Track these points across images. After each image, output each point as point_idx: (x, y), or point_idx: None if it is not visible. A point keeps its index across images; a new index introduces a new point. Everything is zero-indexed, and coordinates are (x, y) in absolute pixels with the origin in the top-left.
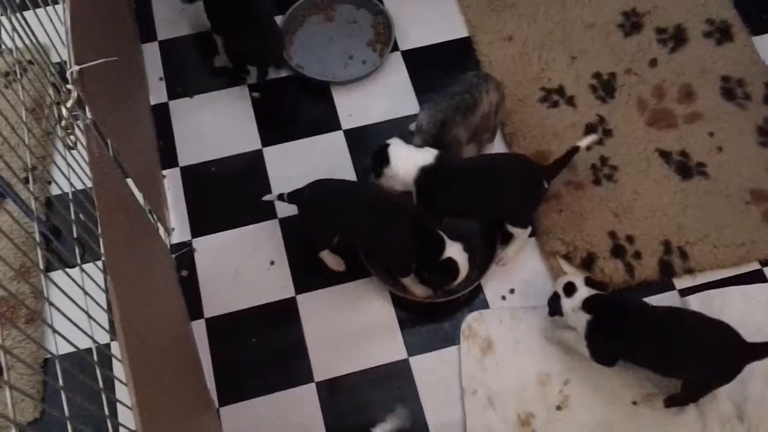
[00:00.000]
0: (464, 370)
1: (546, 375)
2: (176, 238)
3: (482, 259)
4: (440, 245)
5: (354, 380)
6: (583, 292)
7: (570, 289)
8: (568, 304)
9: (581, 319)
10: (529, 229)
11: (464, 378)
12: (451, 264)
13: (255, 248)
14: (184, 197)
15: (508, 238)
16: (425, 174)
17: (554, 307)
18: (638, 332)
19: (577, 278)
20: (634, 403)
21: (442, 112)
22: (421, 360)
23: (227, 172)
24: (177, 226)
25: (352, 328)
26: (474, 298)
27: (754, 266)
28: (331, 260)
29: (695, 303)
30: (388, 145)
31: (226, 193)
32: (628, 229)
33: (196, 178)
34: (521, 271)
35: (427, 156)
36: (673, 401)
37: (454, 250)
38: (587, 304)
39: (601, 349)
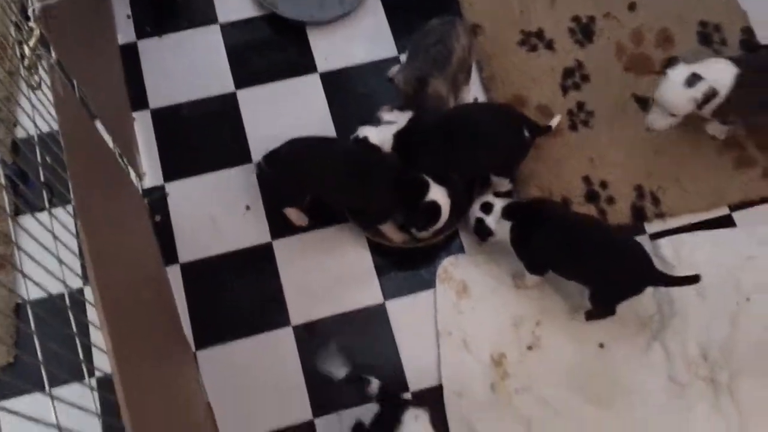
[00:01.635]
0: (440, 313)
1: (519, 317)
2: (148, 183)
3: (460, 204)
4: (424, 187)
5: (331, 324)
6: (498, 203)
7: (486, 206)
8: (491, 219)
9: (506, 229)
10: (509, 179)
11: (439, 321)
12: (433, 207)
13: (229, 193)
14: (156, 141)
15: (486, 184)
16: (399, 139)
17: (482, 230)
18: (554, 232)
19: (486, 197)
20: (601, 345)
21: (418, 69)
22: (397, 304)
23: (200, 115)
24: (149, 170)
25: (328, 272)
26: (450, 243)
27: (724, 211)
28: (295, 216)
29: (666, 247)
30: (365, 137)
31: (199, 137)
32: (602, 174)
33: (167, 121)
34: None
35: (399, 123)
36: (591, 315)
37: (437, 194)
38: (506, 212)
39: (529, 254)
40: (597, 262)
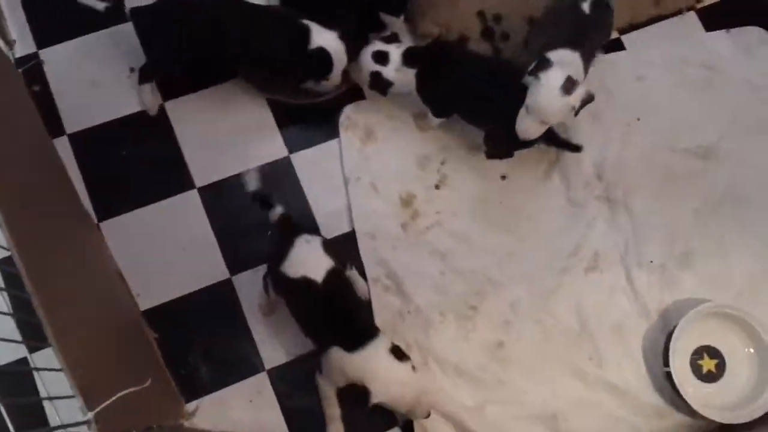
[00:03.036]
0: (346, 160)
1: (425, 157)
2: (20, 51)
3: (356, 52)
4: (304, 34)
5: (237, 181)
6: (394, 50)
7: (381, 56)
8: (390, 70)
9: (409, 77)
10: (402, 17)
11: (346, 168)
12: (323, 54)
13: (110, 55)
14: (21, 3)
15: (379, 26)
16: None
17: (380, 84)
18: (460, 75)
19: (375, 45)
20: (503, 177)
21: None
22: (303, 156)
23: None
24: (18, 37)
25: (228, 130)
26: (351, 92)
27: (613, 35)
28: (148, 97)
29: None
30: None
31: None
32: (494, 7)
33: None
34: None
35: None
36: (491, 155)
37: (324, 39)
38: (408, 59)
39: (436, 99)
40: (499, 104)
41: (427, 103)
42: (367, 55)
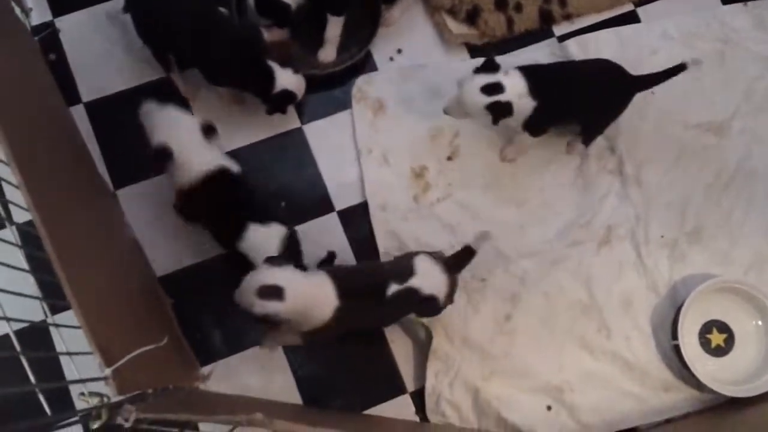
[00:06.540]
0: (358, 132)
1: (437, 129)
2: (36, 19)
3: (369, 23)
4: (269, 76)
5: (251, 151)
6: (506, 79)
7: (493, 88)
8: (512, 97)
9: (527, 106)
10: None
11: (359, 140)
12: (287, 94)
13: (125, 25)
14: None
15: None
16: None
17: (505, 111)
18: (559, 92)
19: (484, 77)
20: None
21: None
22: (315, 127)
23: None
24: (35, 5)
25: (241, 101)
26: (363, 63)
27: (629, 8)
28: (179, 83)
29: (572, 46)
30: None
31: None
32: None
33: None
34: (407, 30)
35: None
36: (573, 147)
37: (286, 81)
38: (533, 90)
39: (539, 128)
40: (593, 95)
41: (531, 134)
42: (474, 91)
